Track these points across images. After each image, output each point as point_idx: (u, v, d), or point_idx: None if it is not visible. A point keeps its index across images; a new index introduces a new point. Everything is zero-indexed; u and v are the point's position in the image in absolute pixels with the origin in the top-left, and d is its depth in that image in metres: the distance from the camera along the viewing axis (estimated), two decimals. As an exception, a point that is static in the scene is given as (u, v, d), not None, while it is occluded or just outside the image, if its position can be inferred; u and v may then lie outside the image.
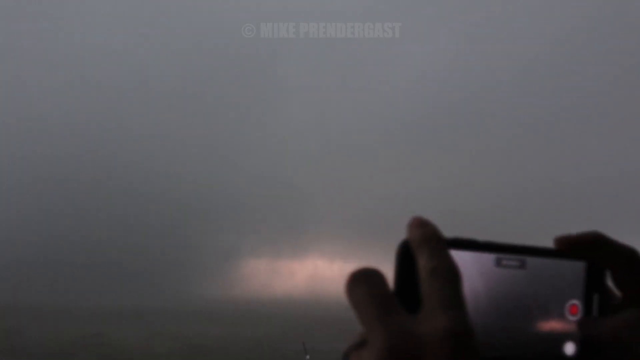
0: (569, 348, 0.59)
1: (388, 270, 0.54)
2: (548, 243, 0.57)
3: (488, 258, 0.57)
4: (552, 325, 0.58)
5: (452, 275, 0.53)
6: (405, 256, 0.55)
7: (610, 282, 0.60)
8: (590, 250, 0.59)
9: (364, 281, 0.53)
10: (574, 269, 0.59)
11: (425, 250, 0.54)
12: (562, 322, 0.58)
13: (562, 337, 0.59)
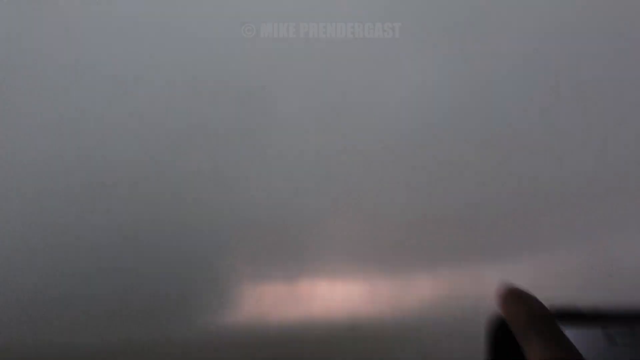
0: None
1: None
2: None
3: (598, 335, 0.47)
4: None
5: None
6: (503, 338, 0.45)
7: None
8: None
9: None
10: None
11: (539, 335, 0.43)
12: None
13: None
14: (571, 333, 0.44)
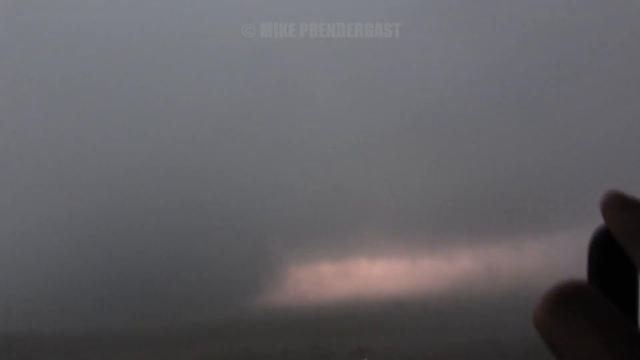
0: None
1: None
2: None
3: None
4: None
5: None
6: (609, 252, 0.38)
7: None
8: None
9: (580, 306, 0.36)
10: None
11: None
12: None
13: None
14: None
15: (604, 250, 0.38)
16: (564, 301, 0.36)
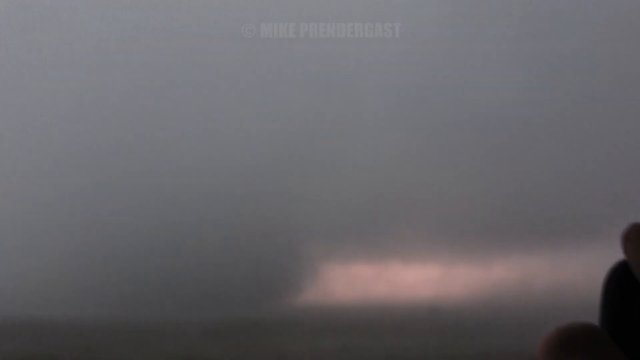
0: None
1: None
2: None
3: None
4: None
5: None
6: (626, 290, 0.34)
7: None
8: None
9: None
10: None
11: None
12: None
13: None
14: None
15: (620, 287, 0.34)
16: (565, 345, 0.33)
